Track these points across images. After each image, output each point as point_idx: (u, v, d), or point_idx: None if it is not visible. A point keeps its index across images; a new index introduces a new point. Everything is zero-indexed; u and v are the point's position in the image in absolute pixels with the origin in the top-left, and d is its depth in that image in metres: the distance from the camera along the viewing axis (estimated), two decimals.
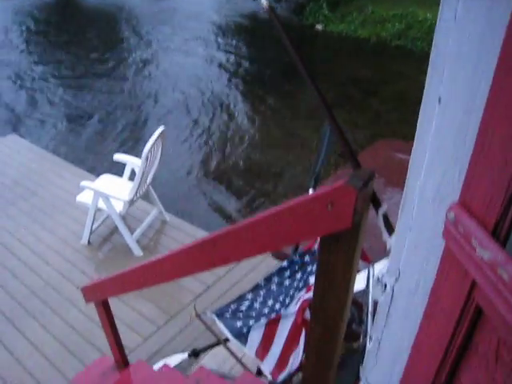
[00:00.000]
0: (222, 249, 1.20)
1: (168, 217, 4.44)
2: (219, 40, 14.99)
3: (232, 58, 12.96)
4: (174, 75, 10.85)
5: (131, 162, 4.09)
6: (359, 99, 9.25)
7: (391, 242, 0.87)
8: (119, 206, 3.84)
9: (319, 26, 15.91)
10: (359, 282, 1.66)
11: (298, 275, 2.39)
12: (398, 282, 0.85)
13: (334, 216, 0.87)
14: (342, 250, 0.98)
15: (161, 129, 3.68)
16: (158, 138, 3.59)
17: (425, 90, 0.67)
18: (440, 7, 0.61)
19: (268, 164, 6.58)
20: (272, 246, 1.35)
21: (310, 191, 2.37)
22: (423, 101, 0.68)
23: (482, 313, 0.64)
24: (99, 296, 2.23)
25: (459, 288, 0.65)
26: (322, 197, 0.88)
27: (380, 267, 1.01)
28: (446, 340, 0.73)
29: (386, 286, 0.88)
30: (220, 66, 11.87)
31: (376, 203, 0.96)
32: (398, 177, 1.78)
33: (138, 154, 3.99)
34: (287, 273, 2.41)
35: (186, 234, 4.26)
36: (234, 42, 15.03)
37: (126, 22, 17.08)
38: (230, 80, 10.83)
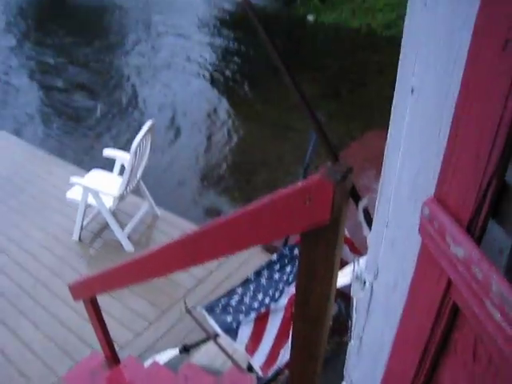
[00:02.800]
0: (203, 245, 1.19)
1: (159, 211, 4.41)
2: (207, 32, 14.89)
3: (219, 51, 12.88)
4: (162, 72, 10.79)
5: (121, 156, 4.05)
6: (351, 90, 9.23)
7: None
8: (109, 202, 3.80)
9: (310, 17, 15.80)
10: (347, 276, 1.65)
11: (288, 268, 2.38)
12: (377, 279, 0.84)
13: (312, 211, 0.85)
14: (322, 245, 0.96)
15: (149, 122, 3.64)
16: (146, 132, 3.55)
17: (397, 82, 0.65)
18: None
19: (262, 157, 6.56)
20: (252, 243, 1.33)
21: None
22: (395, 92, 0.65)
23: (459, 311, 0.63)
24: (87, 294, 2.21)
25: (436, 286, 0.64)
26: (300, 192, 0.86)
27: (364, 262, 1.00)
28: (424, 338, 0.71)
29: (365, 282, 0.86)
30: (207, 61, 11.80)
31: (356, 197, 0.94)
32: None
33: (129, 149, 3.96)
34: (277, 266, 2.40)
35: (177, 228, 4.23)
36: (223, 33, 14.92)
37: (113, 18, 17.00)
38: (218, 74, 10.77)
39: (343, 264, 1.80)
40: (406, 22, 0.60)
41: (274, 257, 2.38)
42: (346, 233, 2.22)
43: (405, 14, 0.61)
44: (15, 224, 4.42)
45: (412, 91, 0.63)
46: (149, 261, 1.47)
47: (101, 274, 1.88)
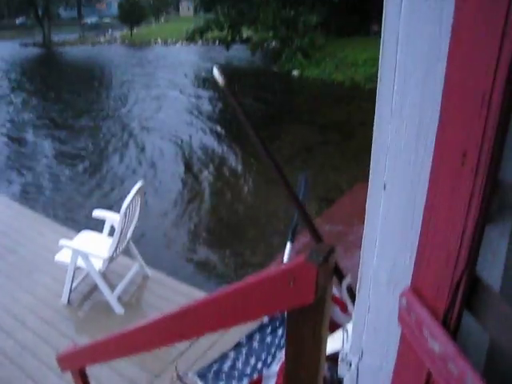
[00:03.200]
0: (190, 322, 1.18)
1: (150, 271, 4.37)
2: (195, 87, 15.29)
3: (208, 104, 13.16)
4: (154, 126, 10.98)
5: (110, 217, 4.06)
6: (338, 142, 9.42)
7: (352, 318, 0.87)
8: (99, 264, 3.77)
9: (295, 72, 16.35)
10: (338, 340, 1.64)
11: (280, 331, 2.35)
12: (362, 361, 0.84)
13: (296, 292, 0.86)
14: (308, 323, 0.97)
15: (139, 184, 3.68)
16: (136, 193, 3.58)
17: (370, 176, 0.68)
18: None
19: (252, 212, 6.58)
20: (238, 320, 1.33)
21: (288, 245, 2.36)
22: (369, 186, 0.69)
23: None
24: (75, 366, 2.16)
25: (417, 376, 0.65)
26: (284, 273, 0.88)
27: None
28: None
29: (350, 364, 0.86)
30: (199, 113, 12.04)
31: (339, 275, 0.96)
32: None
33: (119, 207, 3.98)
34: (268, 329, 2.37)
35: (168, 288, 4.19)
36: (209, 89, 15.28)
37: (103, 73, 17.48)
38: (208, 127, 10.97)
39: (335, 326, 1.78)
40: (374, 127, 0.64)
41: (266, 319, 2.35)
42: (336, 293, 2.22)
43: None
44: (2, 287, 4.34)
45: (384, 187, 0.66)
46: (136, 335, 1.46)
47: (89, 346, 1.84)
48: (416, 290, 0.64)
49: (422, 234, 0.61)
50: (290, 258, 2.33)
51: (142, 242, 4.94)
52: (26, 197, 7.39)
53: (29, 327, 3.84)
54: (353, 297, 0.93)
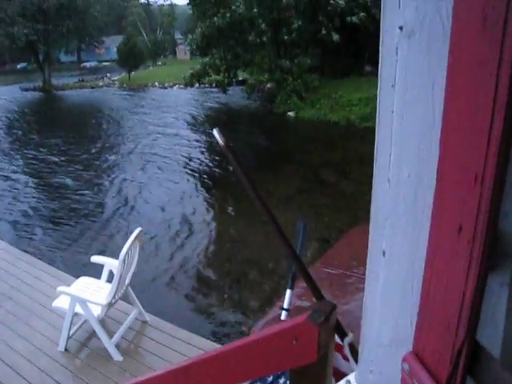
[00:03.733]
0: (191, 379, 1.17)
1: (148, 317, 4.32)
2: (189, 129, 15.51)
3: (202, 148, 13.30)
4: (150, 173, 11.06)
5: (109, 263, 4.05)
6: (334, 182, 9.49)
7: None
8: (97, 310, 3.74)
9: (291, 113, 16.65)
10: None
11: (281, 380, 2.31)
12: None
13: (299, 350, 0.87)
14: (312, 380, 0.97)
15: (137, 230, 3.70)
16: (134, 239, 3.59)
17: (369, 243, 0.70)
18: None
19: (249, 258, 6.56)
20: (241, 378, 1.33)
21: (288, 292, 2.35)
22: (369, 253, 0.71)
23: None
24: None
25: None
26: (286, 332, 0.89)
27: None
28: None
29: None
30: (191, 159, 12.15)
31: (341, 333, 0.96)
32: None
33: (115, 252, 3.97)
34: (270, 378, 2.33)
35: (167, 334, 4.13)
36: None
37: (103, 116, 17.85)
38: (199, 173, 11.06)
39: (338, 374, 1.76)
40: (372, 195, 0.67)
41: (270, 378, 2.31)
42: (338, 340, 2.19)
43: None
44: None
45: (384, 254, 0.68)
46: None
47: None
48: (418, 354, 0.65)
49: (423, 300, 0.63)
50: (289, 304, 2.32)
51: (139, 287, 4.91)
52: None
53: (24, 376, 3.76)
54: (355, 354, 0.94)
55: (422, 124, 0.61)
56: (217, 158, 11.80)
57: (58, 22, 39.99)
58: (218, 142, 0.97)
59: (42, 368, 3.85)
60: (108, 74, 44.41)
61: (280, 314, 2.33)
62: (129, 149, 13.11)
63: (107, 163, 12.18)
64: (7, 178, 11.03)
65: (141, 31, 57.39)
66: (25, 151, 13.97)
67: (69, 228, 7.93)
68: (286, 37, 17.70)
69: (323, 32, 17.07)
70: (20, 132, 18.49)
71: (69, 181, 10.63)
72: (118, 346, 3.93)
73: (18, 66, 55.80)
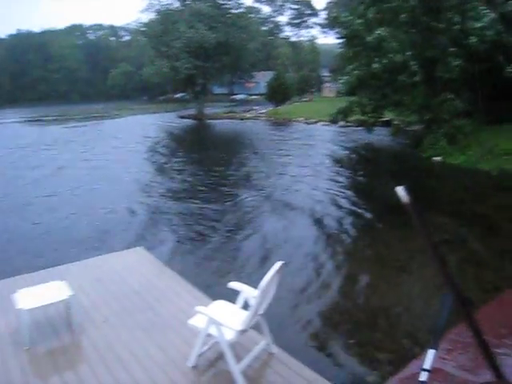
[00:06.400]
0: None
1: (275, 349, 4.35)
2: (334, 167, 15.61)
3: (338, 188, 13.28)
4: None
5: (245, 291, 4.19)
6: (482, 237, 8.74)
7: None
8: (230, 335, 3.86)
9: (438, 158, 15.82)
10: None
11: None
12: None
13: None
14: None
15: (279, 263, 3.78)
16: (275, 272, 3.67)
17: None
18: None
19: (376, 307, 6.30)
20: None
21: (430, 352, 2.19)
22: None
23: None
24: None
25: None
26: None
27: None
28: None
29: None
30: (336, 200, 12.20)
31: None
32: None
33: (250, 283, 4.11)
34: None
35: (292, 370, 4.10)
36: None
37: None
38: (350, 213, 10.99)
39: None
40: None
41: None
42: None
43: None
44: (138, 340, 4.63)
45: None
46: None
47: None
48: None
49: None
50: (430, 365, 2.16)
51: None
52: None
53: None
54: None
55: None
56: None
57: (216, 58, 44.13)
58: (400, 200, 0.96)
59: (173, 379, 4.07)
60: (256, 107, 46.96)
61: (418, 373, 2.18)
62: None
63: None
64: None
65: (287, 67, 59.97)
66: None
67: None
68: (441, 75, 16.77)
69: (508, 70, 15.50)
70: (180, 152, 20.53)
71: None
72: (243, 373, 4.00)
73: (177, 96, 62.57)
